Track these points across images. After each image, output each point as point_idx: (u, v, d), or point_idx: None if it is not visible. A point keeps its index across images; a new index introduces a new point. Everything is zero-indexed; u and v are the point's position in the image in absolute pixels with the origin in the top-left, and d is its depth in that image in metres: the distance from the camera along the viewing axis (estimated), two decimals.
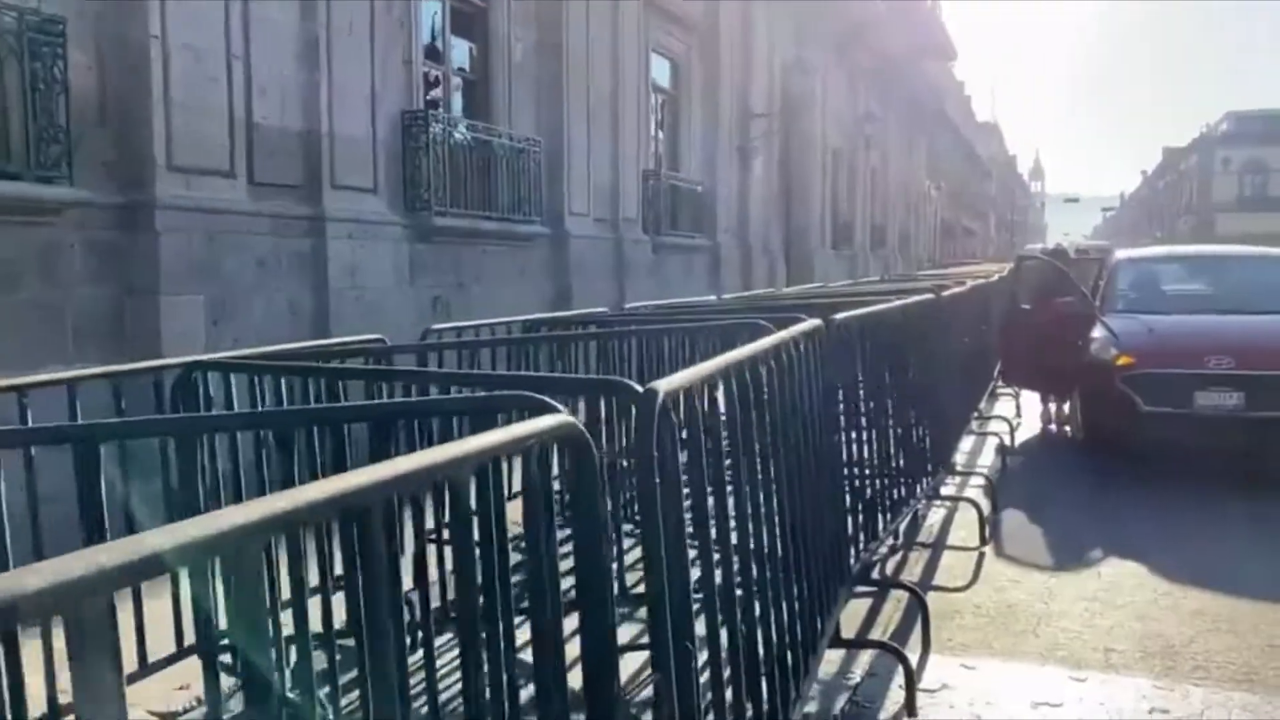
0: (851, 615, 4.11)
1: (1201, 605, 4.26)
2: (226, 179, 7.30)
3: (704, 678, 2.27)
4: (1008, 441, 7.68)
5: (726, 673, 2.36)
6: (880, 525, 4.25)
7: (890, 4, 24.70)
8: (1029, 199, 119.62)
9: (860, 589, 4.17)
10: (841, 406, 3.82)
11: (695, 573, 2.06)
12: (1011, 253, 52.95)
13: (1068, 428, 7.93)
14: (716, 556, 2.11)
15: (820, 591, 3.16)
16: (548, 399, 1.59)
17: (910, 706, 3.20)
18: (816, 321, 3.37)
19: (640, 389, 1.66)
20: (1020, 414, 8.98)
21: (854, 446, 4.06)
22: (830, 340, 3.56)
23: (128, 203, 6.65)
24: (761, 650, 2.45)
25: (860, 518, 4.06)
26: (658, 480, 1.61)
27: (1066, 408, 8.15)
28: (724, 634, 2.28)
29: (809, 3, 20.96)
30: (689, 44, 16.52)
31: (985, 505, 5.68)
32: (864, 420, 4.18)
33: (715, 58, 17.29)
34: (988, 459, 7.38)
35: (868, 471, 4.24)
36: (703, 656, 2.27)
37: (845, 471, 3.84)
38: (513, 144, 11.09)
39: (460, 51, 11.09)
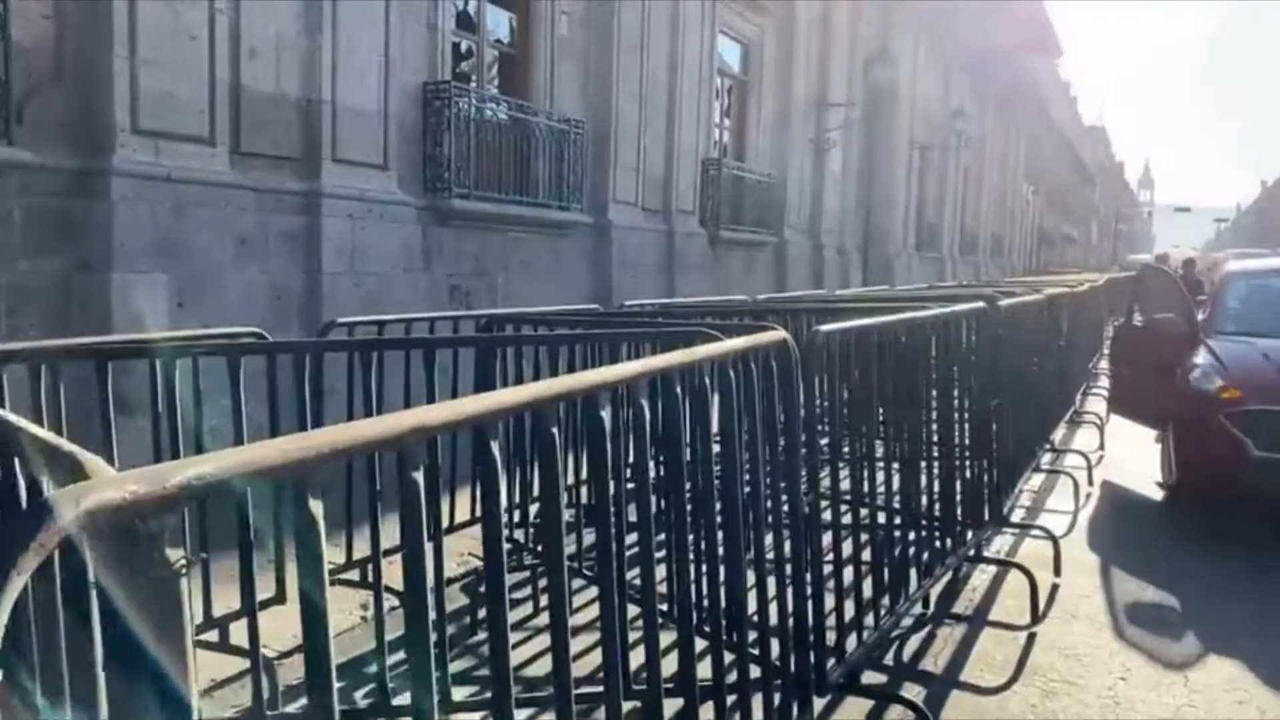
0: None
1: None
2: (204, 146, 6.59)
3: None
4: (1084, 483, 6.47)
5: None
6: (880, 608, 3.22)
7: None
8: (1136, 207, 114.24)
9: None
10: (827, 444, 2.82)
11: None
12: (1114, 263, 50.19)
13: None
14: None
15: None
16: None
17: None
18: (778, 335, 2.39)
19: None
20: (1104, 447, 7.72)
21: (840, 498, 3.06)
22: (807, 357, 2.56)
23: (83, 168, 5.98)
24: None
25: (846, 599, 3.05)
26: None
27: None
28: None
29: None
30: (762, 26, 15.43)
31: (1045, 569, 4.57)
32: (859, 461, 3.17)
33: (790, 42, 16.17)
34: (1059, 502, 6.21)
35: (865, 528, 3.22)
36: None
37: (814, 532, 2.83)
38: (553, 124, 10.22)
39: (499, 21, 10.27)
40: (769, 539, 2.62)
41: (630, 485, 2.50)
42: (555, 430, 1.34)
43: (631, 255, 11.68)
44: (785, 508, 2.53)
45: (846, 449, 3.17)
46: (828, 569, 3.18)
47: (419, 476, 1.09)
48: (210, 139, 6.64)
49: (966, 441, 4.21)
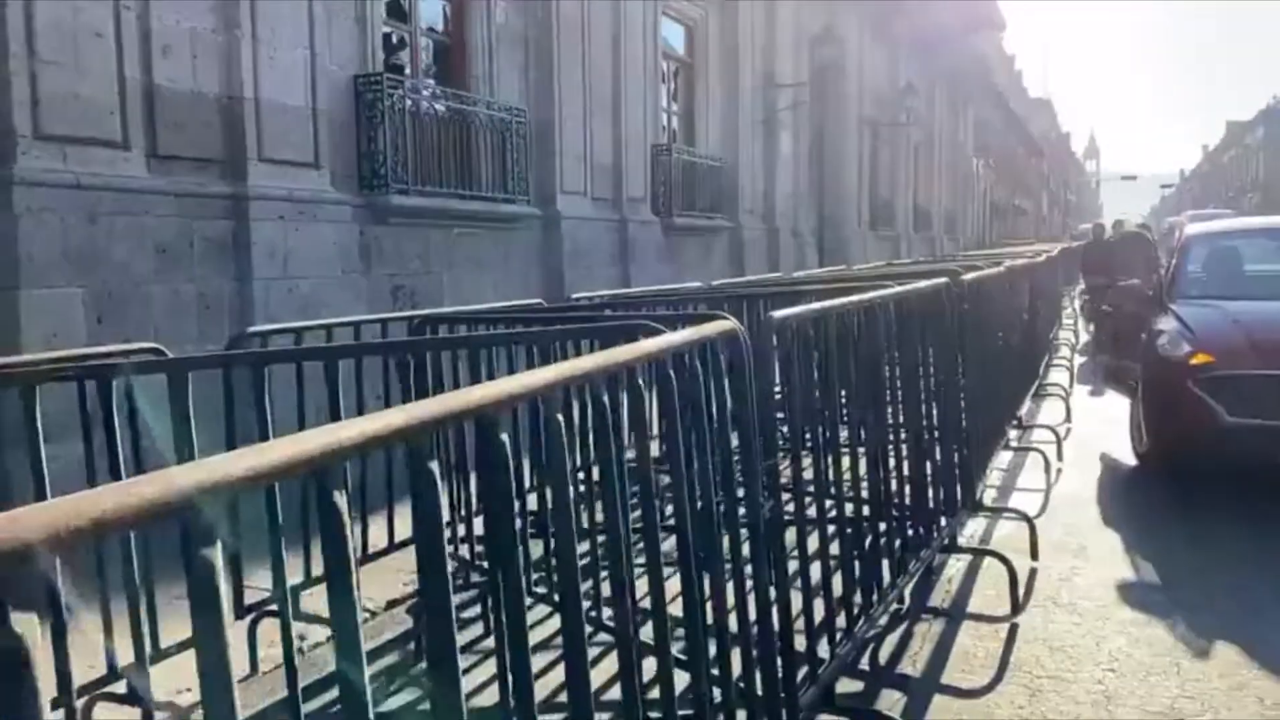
0: None
1: None
2: (116, 150, 6.18)
3: None
4: (1054, 459, 6.29)
5: None
6: (853, 607, 2.98)
7: None
8: (1084, 177, 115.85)
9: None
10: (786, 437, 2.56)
11: None
12: (1065, 232, 50.67)
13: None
14: None
15: None
16: None
17: None
18: (726, 324, 2.12)
19: None
20: (1070, 419, 7.57)
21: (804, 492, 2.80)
22: (760, 346, 2.30)
23: None
24: None
25: (816, 598, 2.80)
26: None
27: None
28: None
29: None
30: (705, 8, 15.15)
31: (1021, 554, 4.37)
32: (821, 451, 2.92)
33: (734, 23, 15.90)
34: (1030, 479, 6.03)
35: (833, 521, 2.98)
36: None
37: (775, 532, 2.57)
38: (494, 113, 9.87)
39: (432, 9, 9.89)
40: (726, 543, 2.37)
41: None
42: (434, 466, 1.07)
43: (583, 246, 11.37)
44: (742, 509, 2.27)
45: (809, 439, 2.91)
46: (794, 568, 2.93)
47: (213, 554, 0.80)
48: (123, 142, 6.23)
49: (935, 423, 3.98)
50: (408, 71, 9.35)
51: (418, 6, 9.56)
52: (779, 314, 2.52)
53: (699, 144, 15.05)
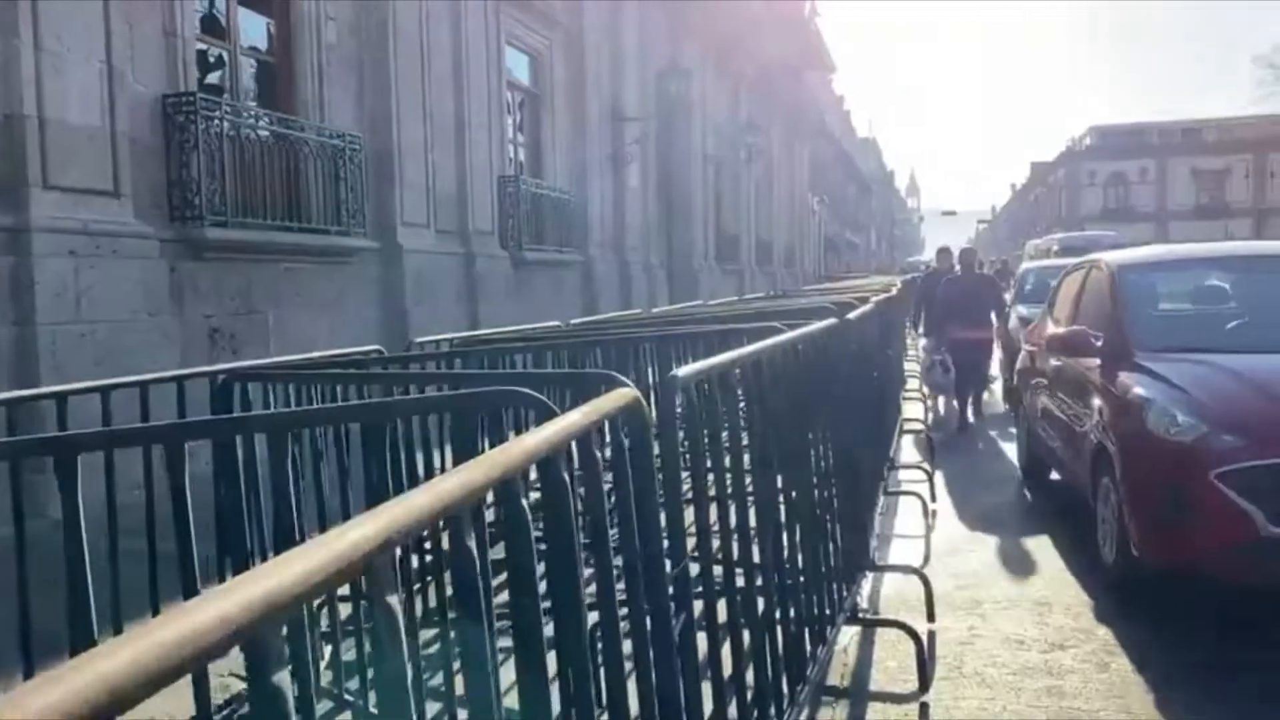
0: None
1: None
2: None
3: None
4: (929, 500, 6.08)
5: None
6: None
7: (769, 7, 23.52)
8: (907, 213, 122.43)
9: None
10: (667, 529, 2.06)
11: None
12: (893, 265, 53.00)
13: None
14: None
15: None
16: None
17: None
18: (626, 394, 1.62)
19: None
20: (934, 456, 7.44)
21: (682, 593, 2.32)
22: (665, 415, 1.80)
23: None
24: None
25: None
26: None
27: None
28: None
29: (682, 2, 19.50)
30: (550, 39, 14.77)
31: (913, 613, 4.03)
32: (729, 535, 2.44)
33: (580, 56, 15.61)
34: (904, 525, 5.77)
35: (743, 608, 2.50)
36: None
37: (689, 667, 2.08)
38: (325, 140, 9.10)
39: (255, 27, 9.05)
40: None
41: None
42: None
43: (427, 282, 10.66)
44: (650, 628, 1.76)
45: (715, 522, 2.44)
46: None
47: None
48: None
49: (831, 479, 3.59)
50: (226, 93, 8.49)
51: (237, 22, 8.72)
52: (684, 371, 2.04)
53: (547, 176, 14.61)
